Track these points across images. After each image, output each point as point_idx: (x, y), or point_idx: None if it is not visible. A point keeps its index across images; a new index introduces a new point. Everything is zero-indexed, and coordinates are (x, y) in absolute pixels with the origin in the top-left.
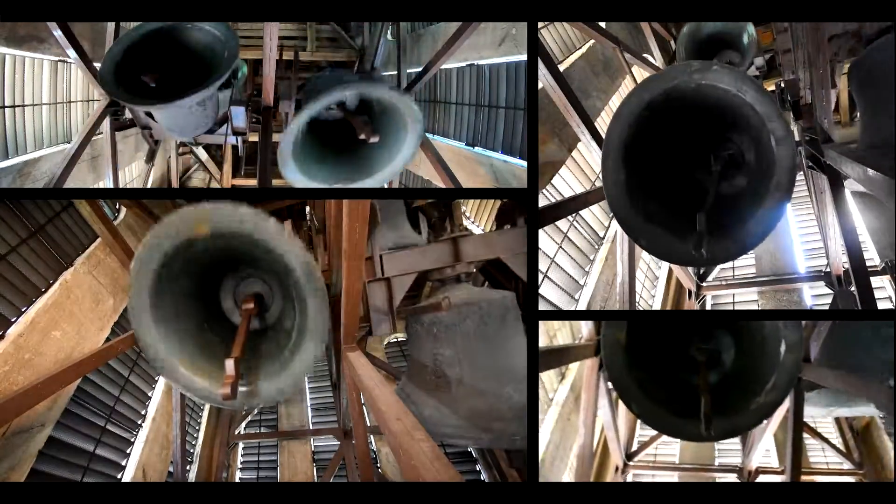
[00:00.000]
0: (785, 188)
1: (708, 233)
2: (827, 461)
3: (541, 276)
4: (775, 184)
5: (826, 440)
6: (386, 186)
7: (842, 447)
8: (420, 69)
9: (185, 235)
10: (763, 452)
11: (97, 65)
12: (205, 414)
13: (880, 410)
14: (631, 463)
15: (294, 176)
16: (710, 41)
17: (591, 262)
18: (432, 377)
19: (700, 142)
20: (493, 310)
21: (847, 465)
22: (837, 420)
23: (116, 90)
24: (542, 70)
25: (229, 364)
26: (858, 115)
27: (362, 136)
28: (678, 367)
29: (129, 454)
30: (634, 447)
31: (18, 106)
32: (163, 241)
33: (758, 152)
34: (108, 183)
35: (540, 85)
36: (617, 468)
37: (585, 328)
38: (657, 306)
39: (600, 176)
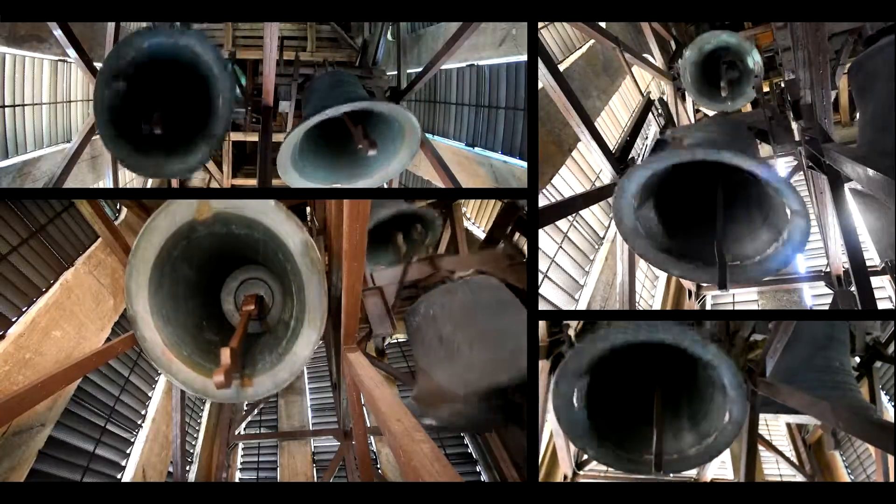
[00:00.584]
0: (797, 245)
1: (726, 264)
2: (780, 473)
3: (541, 276)
4: (786, 238)
5: (780, 453)
6: (386, 186)
7: (795, 460)
8: (420, 69)
9: (188, 217)
10: (718, 464)
11: (97, 64)
12: (205, 414)
13: (828, 428)
14: (581, 473)
15: (293, 181)
16: (713, 54)
17: (591, 262)
18: (442, 353)
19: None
20: (481, 283)
21: (800, 478)
22: (791, 433)
23: (143, 165)
24: (542, 70)
25: (224, 353)
26: (858, 115)
27: (360, 147)
28: (632, 407)
29: (129, 454)
30: (585, 456)
31: (18, 105)
32: (165, 223)
33: (770, 213)
34: (108, 183)
35: (540, 85)
36: (565, 478)
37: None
38: (657, 306)
39: (600, 176)
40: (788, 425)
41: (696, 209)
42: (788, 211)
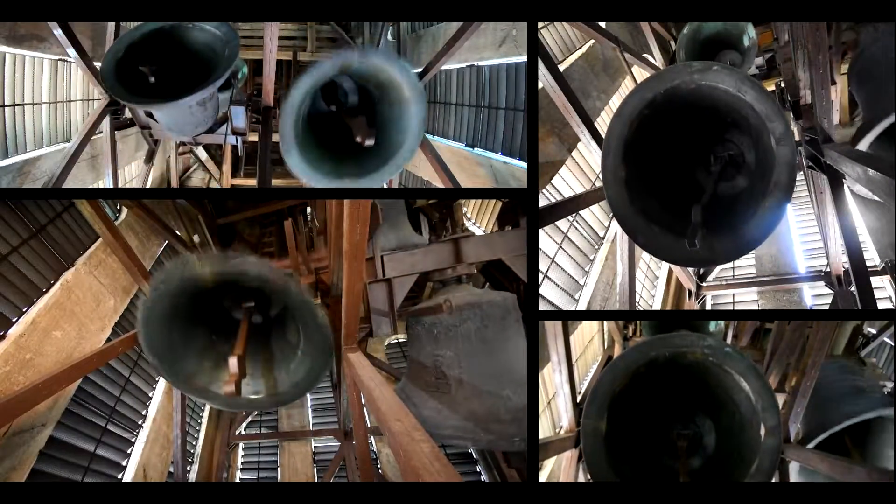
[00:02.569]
0: (784, 187)
1: (703, 226)
2: None
3: (541, 276)
4: (775, 182)
5: None
6: (385, 186)
7: None
8: (420, 70)
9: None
10: None
11: (97, 64)
12: (205, 414)
13: None
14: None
15: (300, 168)
16: (710, 42)
17: (591, 262)
18: (433, 378)
19: (701, 142)
20: (494, 311)
21: None
22: None
23: (117, 88)
24: (542, 70)
25: (232, 362)
26: (860, 111)
27: (358, 139)
28: (660, 454)
29: (129, 454)
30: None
31: (18, 105)
32: (168, 285)
33: (758, 152)
34: (107, 182)
35: (540, 85)
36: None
37: (565, 419)
38: (657, 306)
39: (600, 176)
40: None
41: (685, 186)
42: (773, 141)
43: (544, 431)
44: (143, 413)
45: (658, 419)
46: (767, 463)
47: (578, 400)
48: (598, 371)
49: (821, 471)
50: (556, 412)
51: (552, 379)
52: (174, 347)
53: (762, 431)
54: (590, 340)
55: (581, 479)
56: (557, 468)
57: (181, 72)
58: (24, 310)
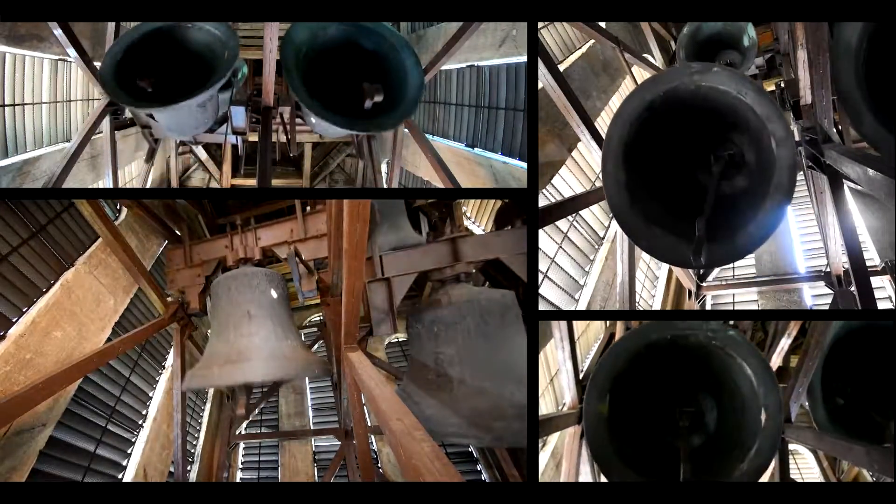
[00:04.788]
0: (785, 189)
1: (707, 238)
2: None
3: (541, 276)
4: (776, 184)
5: None
6: (385, 186)
7: None
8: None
9: None
10: None
11: (97, 64)
12: (206, 414)
13: (870, 472)
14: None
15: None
16: (710, 42)
17: (591, 262)
18: (434, 376)
19: (701, 143)
20: (493, 307)
21: None
22: (823, 472)
23: (118, 92)
24: (542, 70)
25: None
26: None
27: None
28: (661, 435)
29: (129, 454)
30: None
31: (18, 105)
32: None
33: (758, 153)
34: (107, 182)
35: (540, 85)
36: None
37: (568, 395)
38: (657, 306)
39: (600, 176)
40: (820, 463)
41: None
42: (774, 143)
43: (547, 407)
44: (144, 413)
45: (660, 400)
46: (767, 446)
47: (581, 377)
48: (599, 352)
49: (820, 450)
50: (559, 389)
51: (555, 356)
52: None
53: (763, 415)
54: None
55: (584, 455)
56: (560, 444)
57: (181, 73)
58: (24, 310)
